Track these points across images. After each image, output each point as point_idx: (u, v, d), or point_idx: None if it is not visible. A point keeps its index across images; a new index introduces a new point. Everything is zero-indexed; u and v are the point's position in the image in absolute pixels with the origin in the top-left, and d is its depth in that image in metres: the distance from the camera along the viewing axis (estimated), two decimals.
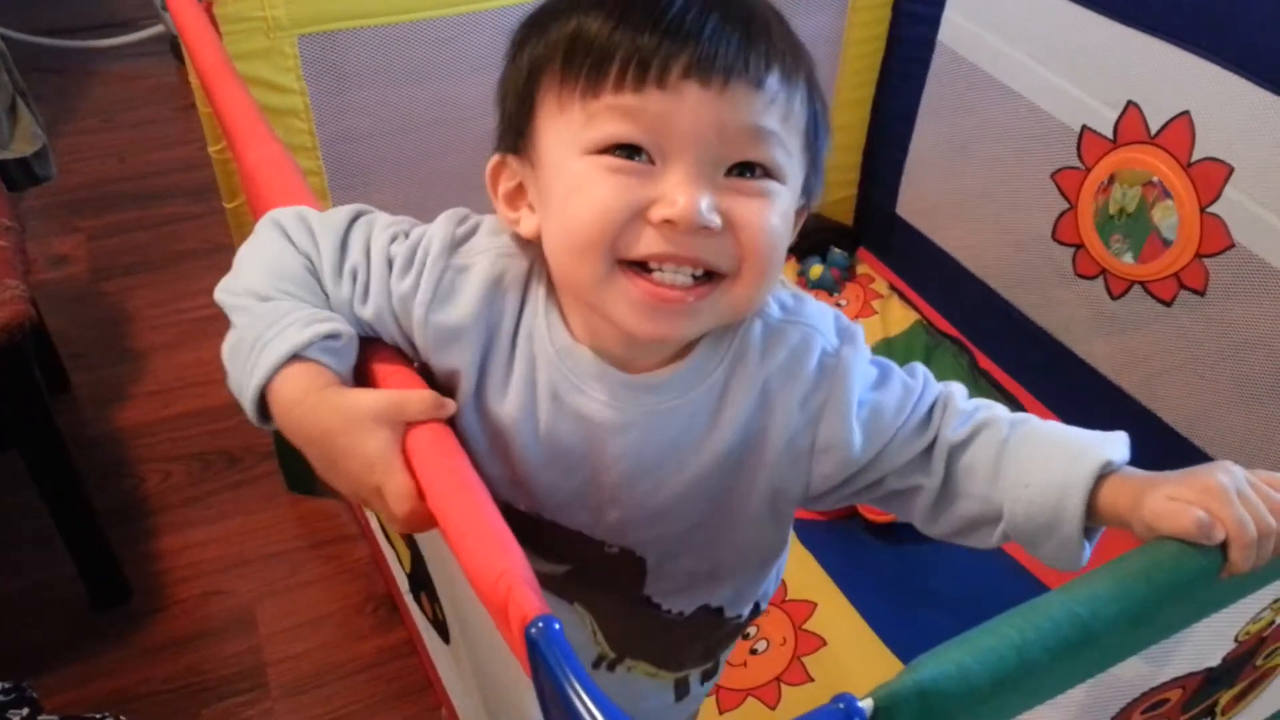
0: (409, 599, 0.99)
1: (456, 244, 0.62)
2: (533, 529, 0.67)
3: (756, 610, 0.79)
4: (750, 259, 0.55)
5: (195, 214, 1.95)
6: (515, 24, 0.61)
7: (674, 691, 0.83)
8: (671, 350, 0.62)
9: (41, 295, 1.61)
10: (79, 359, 1.60)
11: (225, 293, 0.61)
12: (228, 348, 0.60)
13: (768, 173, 0.56)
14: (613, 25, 0.53)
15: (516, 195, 0.61)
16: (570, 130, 0.55)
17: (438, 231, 0.62)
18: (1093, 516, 0.55)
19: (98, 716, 1.10)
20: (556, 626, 0.43)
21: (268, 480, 1.43)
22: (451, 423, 0.59)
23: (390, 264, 0.61)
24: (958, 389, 0.64)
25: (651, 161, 0.54)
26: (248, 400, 0.58)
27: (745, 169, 0.55)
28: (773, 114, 0.55)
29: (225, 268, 0.63)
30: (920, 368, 0.65)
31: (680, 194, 0.53)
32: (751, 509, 0.67)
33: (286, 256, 0.61)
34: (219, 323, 0.62)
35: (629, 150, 0.54)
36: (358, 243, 0.62)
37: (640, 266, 0.55)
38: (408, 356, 0.64)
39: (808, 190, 0.61)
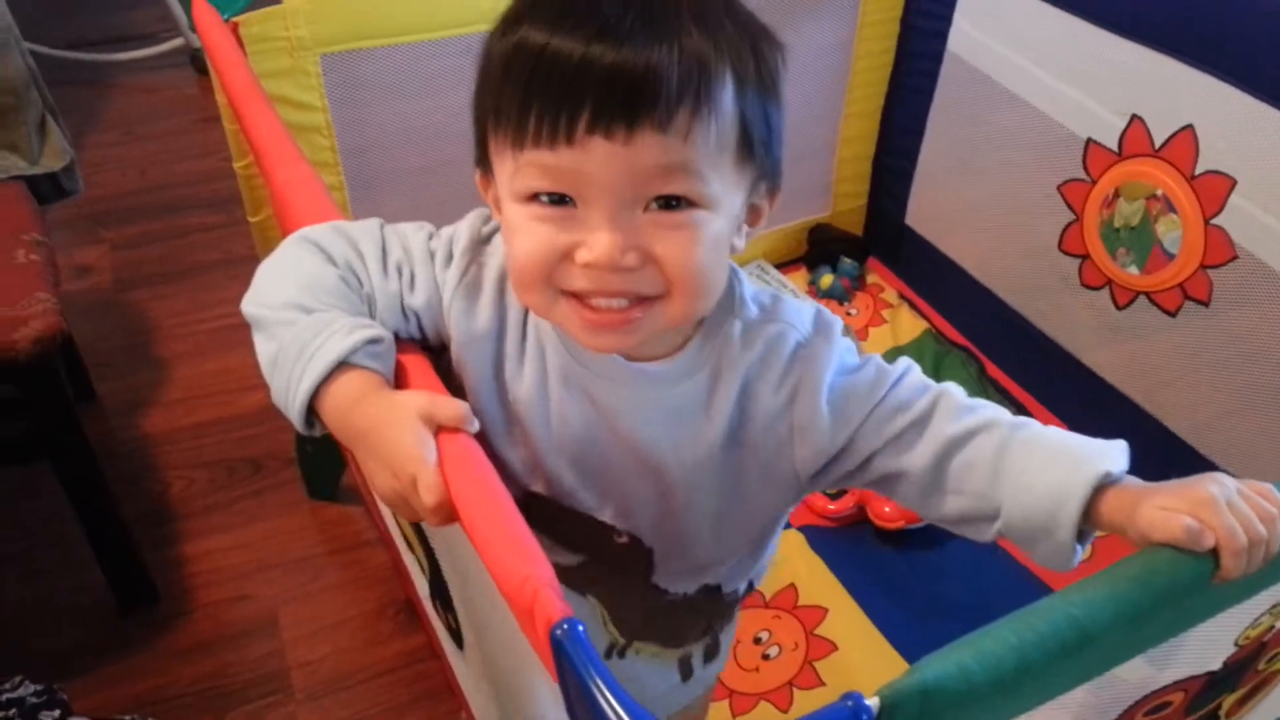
0: (428, 605, 1.02)
1: (482, 242, 0.68)
2: (549, 514, 0.70)
3: (750, 587, 0.82)
4: (677, 285, 0.58)
5: (216, 225, 1.98)
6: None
7: (678, 671, 0.86)
8: (664, 345, 0.65)
9: (66, 305, 1.63)
10: (104, 368, 1.64)
11: (259, 306, 0.64)
12: (268, 360, 0.62)
13: (690, 202, 0.57)
14: (530, 68, 0.54)
15: (500, 202, 0.65)
16: (505, 175, 0.59)
17: (465, 228, 0.68)
18: (1089, 522, 0.57)
19: (126, 718, 1.13)
20: (580, 629, 0.45)
21: (290, 487, 1.46)
22: (475, 411, 0.63)
23: (432, 256, 0.67)
24: (954, 387, 0.66)
25: (576, 206, 0.57)
26: (296, 407, 0.60)
27: (667, 200, 0.57)
28: (686, 146, 0.55)
29: (246, 279, 0.66)
30: (905, 359, 0.68)
31: (596, 240, 0.56)
32: (746, 497, 0.70)
33: (322, 270, 0.64)
34: (241, 332, 0.65)
35: (554, 196, 0.57)
36: (395, 242, 0.68)
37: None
38: (435, 355, 0.69)
39: (767, 178, 0.62)
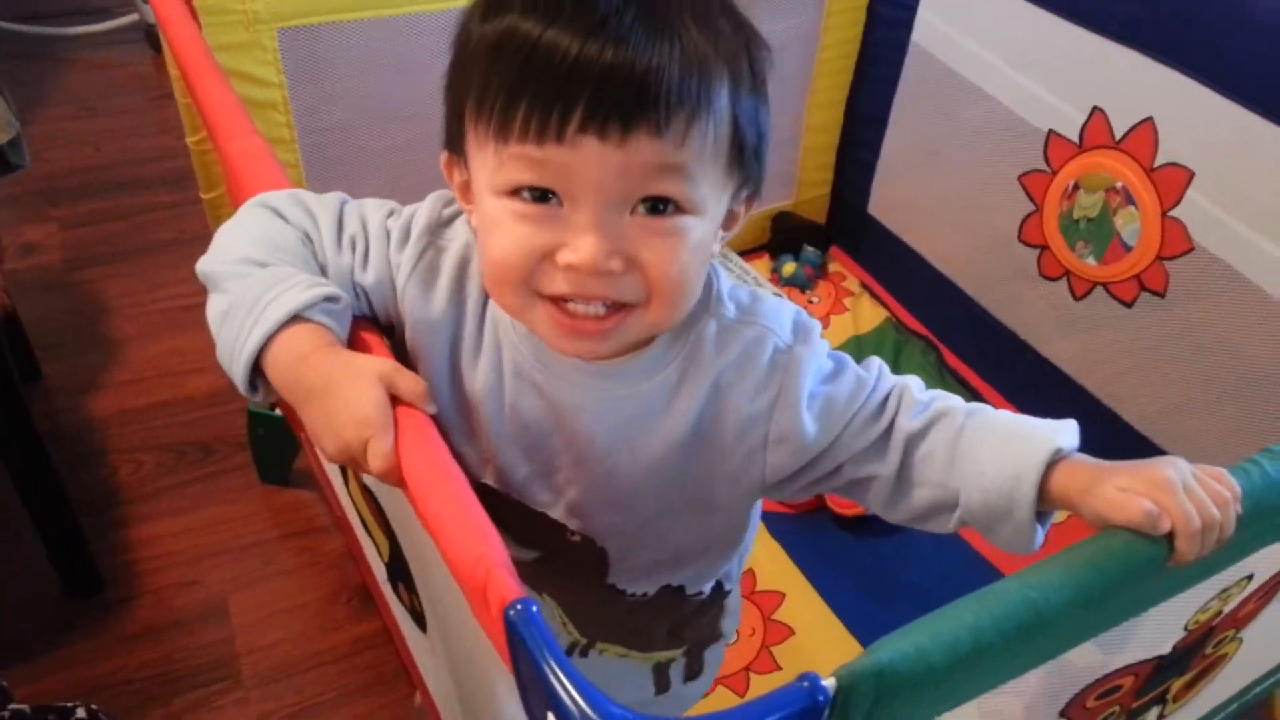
0: (386, 588, 1.00)
1: (441, 225, 0.66)
2: (502, 508, 0.69)
3: (720, 590, 0.80)
4: (658, 293, 0.57)
5: (170, 203, 1.94)
6: None
7: (653, 682, 0.84)
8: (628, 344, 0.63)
9: (12, 284, 1.60)
10: (50, 349, 1.60)
11: (214, 263, 0.62)
12: (218, 312, 0.60)
13: (678, 207, 0.56)
14: (521, 60, 0.52)
15: (468, 189, 0.63)
16: (486, 166, 0.57)
17: (424, 209, 0.66)
18: (1044, 501, 0.57)
19: (70, 706, 1.10)
20: (534, 609, 0.44)
21: (241, 471, 1.43)
22: None
23: (388, 236, 0.65)
24: (914, 381, 0.66)
25: (561, 204, 0.55)
26: (243, 360, 0.58)
27: (655, 203, 0.55)
28: (680, 150, 0.54)
29: (200, 257, 0.64)
30: (875, 361, 0.67)
31: (582, 241, 0.54)
32: (707, 499, 0.69)
33: (281, 230, 0.63)
34: (193, 313, 0.64)
35: (538, 192, 0.55)
36: (353, 216, 0.66)
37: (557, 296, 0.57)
38: (390, 334, 0.67)
39: (750, 184, 0.61)
